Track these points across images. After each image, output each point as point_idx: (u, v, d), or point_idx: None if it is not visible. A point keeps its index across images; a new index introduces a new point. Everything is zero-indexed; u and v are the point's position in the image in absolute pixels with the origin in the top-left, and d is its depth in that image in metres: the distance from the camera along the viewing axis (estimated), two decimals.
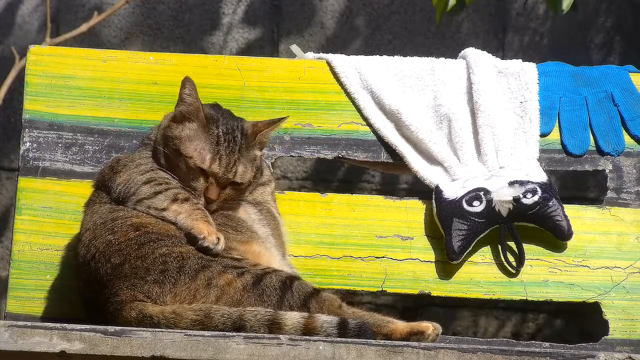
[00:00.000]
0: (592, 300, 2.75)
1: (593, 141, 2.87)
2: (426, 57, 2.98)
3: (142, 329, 2.20)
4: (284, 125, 2.71)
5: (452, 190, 2.76)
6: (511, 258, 2.75)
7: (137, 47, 4.39)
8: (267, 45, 4.43)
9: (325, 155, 2.87)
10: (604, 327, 2.74)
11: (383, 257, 2.78)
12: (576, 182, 4.38)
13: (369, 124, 2.88)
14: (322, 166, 4.41)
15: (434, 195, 2.78)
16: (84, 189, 2.75)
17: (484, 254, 2.77)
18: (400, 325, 2.43)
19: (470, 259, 2.76)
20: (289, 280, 2.42)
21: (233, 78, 2.90)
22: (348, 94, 2.90)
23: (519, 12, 4.43)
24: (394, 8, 4.43)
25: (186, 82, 2.58)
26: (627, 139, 2.87)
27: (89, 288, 2.50)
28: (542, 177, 2.76)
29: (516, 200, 2.71)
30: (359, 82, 2.91)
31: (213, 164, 2.54)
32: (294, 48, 3.03)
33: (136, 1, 4.41)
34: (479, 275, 2.76)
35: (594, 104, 2.90)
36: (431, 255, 2.78)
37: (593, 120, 2.89)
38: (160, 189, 2.54)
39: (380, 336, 2.40)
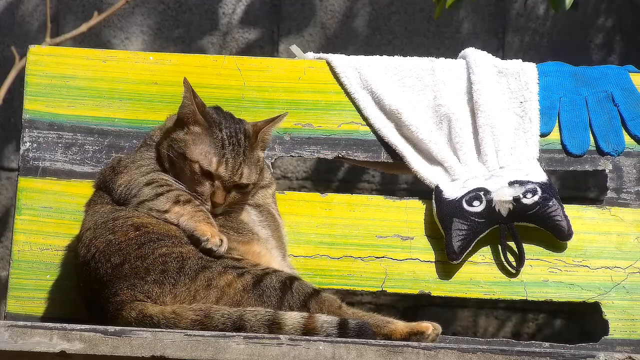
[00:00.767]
0: (592, 300, 2.75)
1: (593, 141, 2.87)
2: (426, 57, 2.98)
3: (142, 329, 2.20)
4: (284, 124, 2.71)
5: (452, 190, 2.76)
6: (511, 258, 2.75)
7: (137, 47, 4.39)
8: (267, 45, 4.43)
9: (325, 155, 2.87)
10: (604, 327, 2.73)
11: (383, 257, 2.78)
12: (576, 182, 4.38)
13: (369, 124, 2.88)
14: (322, 166, 4.41)
15: (434, 195, 2.78)
16: (84, 189, 2.75)
17: (484, 254, 2.77)
18: (400, 326, 2.43)
19: (470, 259, 2.76)
20: (289, 281, 2.42)
21: (233, 78, 2.90)
22: (348, 94, 2.90)
23: (519, 12, 4.43)
24: (394, 8, 4.43)
25: (184, 84, 2.58)
26: (627, 139, 2.87)
27: (89, 287, 2.49)
28: (542, 177, 2.76)
29: (516, 200, 2.71)
30: (359, 82, 2.91)
31: (220, 167, 2.54)
32: (294, 48, 3.03)
33: (136, 1, 4.41)
34: (479, 275, 2.76)
35: (594, 104, 2.90)
36: (431, 255, 2.78)
37: (593, 120, 2.88)
38: (161, 190, 2.53)
39: (380, 336, 2.40)
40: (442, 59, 2.97)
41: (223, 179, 2.55)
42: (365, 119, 2.88)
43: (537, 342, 2.77)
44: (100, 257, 2.47)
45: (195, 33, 4.43)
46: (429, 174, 2.83)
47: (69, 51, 2.92)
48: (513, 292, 2.76)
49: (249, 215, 2.65)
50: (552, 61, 3.00)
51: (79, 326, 2.18)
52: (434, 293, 2.77)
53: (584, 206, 2.84)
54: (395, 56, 2.98)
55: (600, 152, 2.86)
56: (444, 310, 4.45)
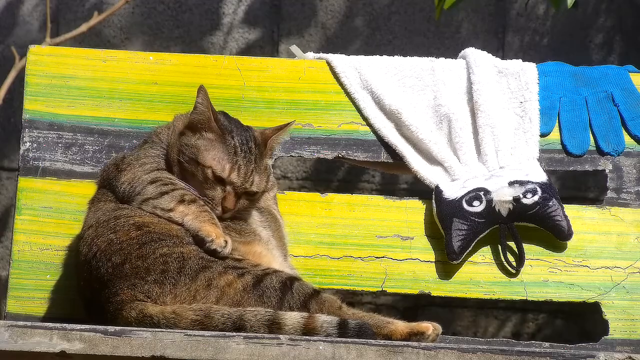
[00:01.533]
0: (592, 300, 2.75)
1: (593, 141, 2.87)
2: (426, 57, 2.98)
3: (142, 329, 2.20)
4: (291, 128, 2.71)
5: (452, 190, 2.76)
6: (511, 258, 2.75)
7: (137, 47, 4.39)
8: (267, 45, 4.43)
9: (325, 155, 2.87)
10: (604, 327, 2.73)
11: (383, 257, 2.78)
12: (576, 182, 4.38)
13: (369, 124, 2.88)
14: (322, 166, 4.41)
15: (434, 195, 2.78)
16: (84, 189, 2.75)
17: (484, 254, 2.77)
18: (401, 326, 2.43)
19: (470, 259, 2.76)
20: (289, 281, 2.42)
21: (233, 78, 2.90)
22: (348, 94, 2.90)
23: (519, 12, 4.43)
24: (394, 8, 4.43)
25: (200, 90, 2.57)
26: (627, 139, 2.87)
27: (89, 287, 2.49)
28: (542, 177, 2.76)
29: (516, 200, 2.71)
30: (359, 82, 2.91)
31: (232, 174, 2.55)
32: (294, 48, 3.03)
33: (136, 1, 4.41)
34: (479, 275, 2.76)
35: (594, 104, 2.90)
36: (431, 255, 2.78)
37: (593, 120, 2.88)
38: (166, 189, 2.54)
39: (380, 337, 2.40)
40: (442, 59, 2.97)
41: (235, 185, 2.55)
42: (365, 119, 2.88)
43: (537, 342, 2.77)
44: (101, 256, 2.47)
45: (195, 33, 4.43)
46: (429, 174, 2.83)
47: (69, 51, 2.92)
48: (513, 292, 2.76)
49: (251, 216, 2.65)
50: (552, 61, 3.00)
51: (79, 326, 2.18)
52: (434, 293, 2.77)
53: (584, 206, 2.84)
54: (395, 56, 2.98)
55: (600, 152, 2.86)
56: (444, 310, 4.45)
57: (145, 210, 2.52)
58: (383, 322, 2.43)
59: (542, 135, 2.87)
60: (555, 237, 2.74)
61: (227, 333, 2.21)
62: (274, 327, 2.30)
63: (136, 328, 2.21)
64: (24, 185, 2.79)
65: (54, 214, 2.78)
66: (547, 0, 4.39)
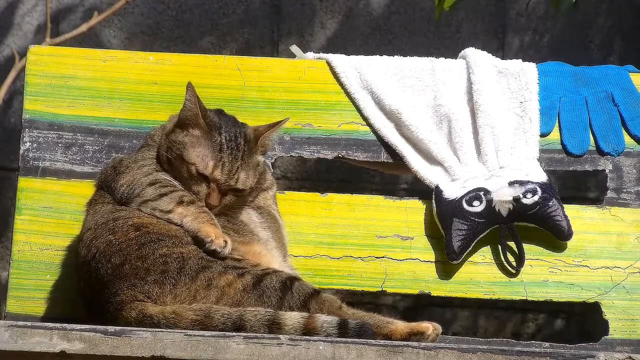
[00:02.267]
0: (592, 300, 2.75)
1: (593, 141, 2.87)
2: (426, 57, 2.98)
3: (142, 329, 2.20)
4: (284, 125, 2.71)
5: (452, 190, 2.76)
6: (511, 258, 2.75)
7: (137, 47, 4.39)
8: (267, 45, 4.43)
9: (325, 155, 2.87)
10: (604, 327, 2.73)
11: (383, 257, 2.78)
12: (576, 182, 4.38)
13: (369, 124, 2.88)
14: (322, 166, 4.41)
15: (434, 195, 2.78)
16: (84, 189, 2.75)
17: (484, 254, 2.77)
18: (401, 326, 2.43)
19: (470, 259, 2.76)
20: (289, 281, 2.42)
21: (233, 78, 2.90)
22: (348, 94, 2.90)
23: (519, 12, 4.43)
24: (394, 8, 4.43)
25: (188, 87, 2.57)
26: (627, 139, 2.87)
27: (89, 288, 2.49)
28: (542, 177, 2.76)
29: (516, 200, 2.71)
30: (359, 82, 2.91)
31: (215, 171, 2.55)
32: (294, 48, 3.03)
33: (136, 1, 4.41)
34: (479, 275, 2.76)
35: (594, 104, 2.90)
36: (431, 255, 2.78)
37: (593, 120, 2.89)
38: (165, 191, 2.54)
39: (380, 337, 2.40)
40: (442, 59, 2.97)
41: (219, 182, 2.55)
42: (365, 119, 2.88)
43: (537, 342, 2.77)
44: (101, 257, 2.47)
45: (195, 33, 4.43)
46: (429, 174, 2.83)
47: (69, 51, 2.92)
48: (513, 292, 2.76)
49: (250, 217, 2.65)
50: (552, 61, 3.00)
51: (79, 326, 2.18)
52: (434, 293, 2.77)
53: (584, 206, 2.84)
54: (395, 56, 2.98)
55: (600, 152, 2.86)
56: (444, 310, 4.45)
57: (144, 212, 2.52)
58: (383, 322, 2.43)
59: (542, 135, 2.87)
60: (555, 237, 2.74)
61: (227, 333, 2.21)
62: (274, 327, 2.30)
63: (136, 328, 2.21)
64: (24, 185, 2.79)
65: (54, 214, 2.78)
66: (548, 0, 4.39)
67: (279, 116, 2.81)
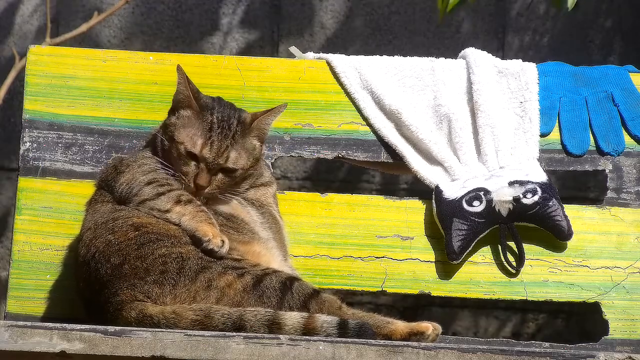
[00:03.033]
0: (592, 300, 2.75)
1: (593, 141, 2.87)
2: (426, 57, 2.98)
3: (142, 329, 2.20)
4: (284, 125, 2.71)
5: (452, 190, 2.76)
6: (511, 258, 2.75)
7: (137, 47, 4.39)
8: (267, 45, 4.43)
9: (325, 155, 2.87)
10: (604, 327, 2.73)
11: (383, 257, 2.78)
12: (576, 182, 4.38)
13: (369, 124, 2.88)
14: (322, 166, 4.41)
15: (434, 195, 2.78)
16: (84, 189, 2.75)
17: (484, 254, 2.77)
18: (400, 326, 2.43)
19: (470, 259, 2.76)
20: (289, 281, 2.42)
21: (233, 78, 2.90)
22: (348, 94, 2.90)
23: (519, 12, 4.43)
24: (394, 8, 4.43)
25: (178, 70, 2.59)
26: (627, 139, 2.87)
27: (88, 288, 2.49)
28: (542, 177, 2.76)
29: (516, 200, 2.71)
30: (359, 82, 2.91)
31: (204, 149, 2.55)
32: (293, 49, 3.03)
33: (136, 1, 4.41)
34: (479, 275, 2.76)
35: (594, 104, 2.90)
36: (431, 255, 2.78)
37: (593, 120, 2.88)
38: (163, 190, 2.54)
39: (380, 337, 2.40)
40: (442, 59, 2.97)
41: (207, 160, 2.55)
42: (365, 119, 2.88)
43: (537, 342, 2.77)
44: (100, 257, 2.46)
45: (195, 33, 4.43)
46: (429, 174, 2.83)
47: (69, 51, 2.92)
48: (513, 292, 2.76)
49: (250, 215, 2.65)
50: (552, 61, 3.00)
51: (79, 326, 2.18)
52: (434, 293, 2.77)
53: (584, 206, 2.84)
54: (395, 56, 2.98)
55: (600, 152, 2.86)
56: (444, 310, 4.45)
57: (142, 211, 2.52)
58: (383, 322, 2.43)
59: (542, 135, 2.87)
60: (555, 237, 2.74)
61: (227, 333, 2.21)
62: (274, 327, 2.30)
63: (136, 328, 2.21)
64: (24, 185, 2.79)
65: (54, 214, 2.78)
66: (548, 0, 4.39)
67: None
